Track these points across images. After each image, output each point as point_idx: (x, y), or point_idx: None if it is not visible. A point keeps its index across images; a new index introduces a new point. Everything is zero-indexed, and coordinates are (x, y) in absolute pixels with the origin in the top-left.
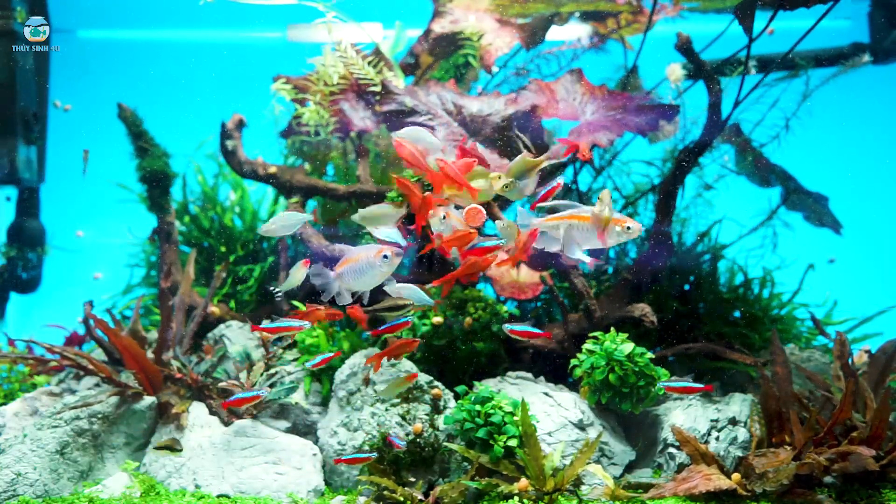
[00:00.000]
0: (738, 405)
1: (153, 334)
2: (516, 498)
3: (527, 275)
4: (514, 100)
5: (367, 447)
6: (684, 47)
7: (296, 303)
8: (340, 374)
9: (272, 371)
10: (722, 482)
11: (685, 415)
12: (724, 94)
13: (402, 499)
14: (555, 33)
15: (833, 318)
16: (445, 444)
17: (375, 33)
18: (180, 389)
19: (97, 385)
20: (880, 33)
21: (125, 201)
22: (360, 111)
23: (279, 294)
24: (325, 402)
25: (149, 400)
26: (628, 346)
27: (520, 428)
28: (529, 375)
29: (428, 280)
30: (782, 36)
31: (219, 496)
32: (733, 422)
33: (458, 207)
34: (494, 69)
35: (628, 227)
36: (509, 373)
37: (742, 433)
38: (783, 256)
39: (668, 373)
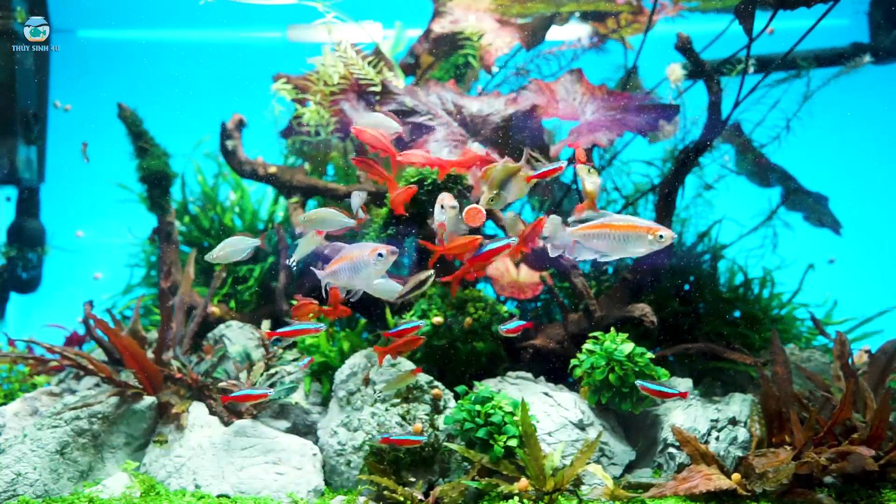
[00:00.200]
0: (738, 405)
1: (153, 334)
2: (516, 498)
3: (527, 275)
4: (514, 100)
5: (367, 447)
6: (684, 47)
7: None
8: (340, 374)
9: (272, 371)
10: (722, 482)
11: (685, 415)
12: (724, 94)
13: (402, 499)
14: (555, 33)
15: (833, 318)
16: (445, 444)
17: (375, 33)
18: (180, 389)
19: (97, 385)
20: (880, 33)
21: (125, 201)
22: (360, 111)
23: (294, 264)
24: (325, 402)
25: (149, 400)
26: (628, 346)
27: (520, 428)
28: (529, 375)
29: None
30: (782, 36)
31: (219, 496)
32: (733, 422)
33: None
34: (494, 69)
35: (661, 236)
36: (509, 373)
37: (742, 433)
38: (783, 256)
39: (668, 373)
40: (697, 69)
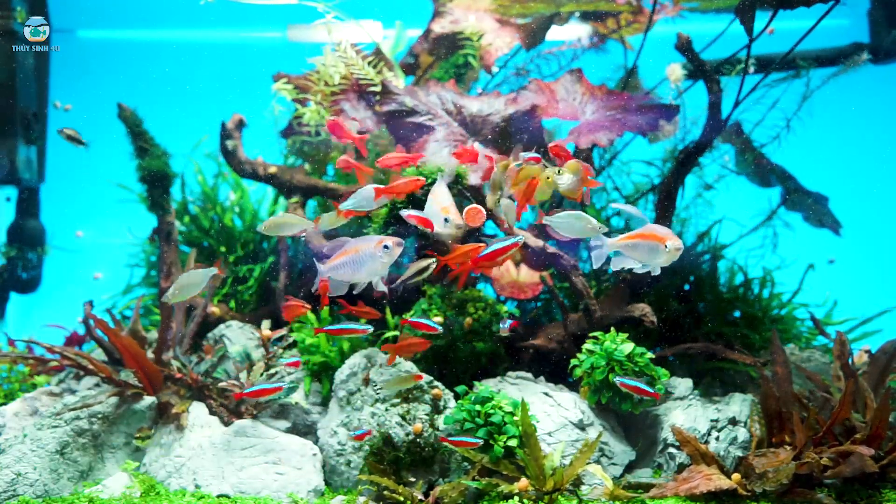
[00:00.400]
0: (738, 405)
1: (153, 334)
2: (516, 498)
3: (527, 275)
4: (514, 100)
5: (367, 447)
6: (684, 47)
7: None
8: (340, 374)
9: (272, 371)
10: (723, 482)
11: (685, 415)
12: (724, 94)
13: (402, 499)
14: (555, 33)
15: (833, 318)
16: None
17: (376, 33)
18: (180, 389)
19: (97, 385)
20: (880, 33)
21: (125, 201)
22: (360, 111)
23: (309, 237)
24: (325, 402)
25: (149, 400)
26: (628, 346)
27: (520, 428)
28: (529, 375)
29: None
30: (782, 36)
31: (219, 496)
32: (733, 422)
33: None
34: (494, 69)
35: (665, 246)
36: (509, 373)
37: (742, 433)
38: (783, 256)
39: (668, 373)
40: (697, 69)
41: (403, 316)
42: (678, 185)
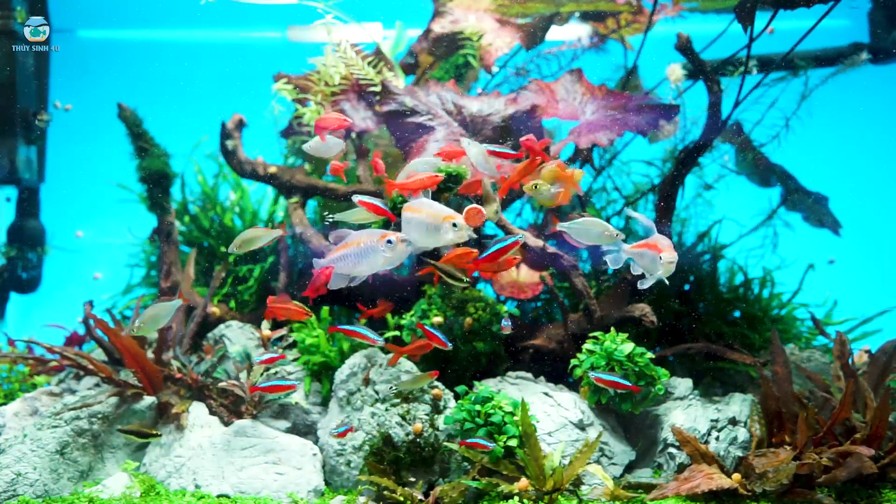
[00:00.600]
0: (738, 405)
1: (153, 334)
2: (516, 498)
3: (527, 275)
4: (514, 100)
5: (367, 447)
6: (684, 47)
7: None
8: (340, 374)
9: (272, 371)
10: (724, 481)
11: (685, 415)
12: (724, 94)
13: (402, 499)
14: (555, 33)
15: (833, 318)
16: (445, 444)
17: (376, 33)
18: (180, 389)
19: (97, 385)
20: (880, 33)
21: (125, 201)
22: (360, 111)
23: (331, 219)
24: (325, 402)
25: (149, 400)
26: (628, 346)
27: (520, 428)
28: (529, 375)
29: (429, 278)
30: (782, 36)
31: (219, 496)
32: (733, 422)
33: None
34: (494, 69)
35: (660, 258)
36: (509, 373)
37: (742, 433)
38: (783, 256)
39: (668, 373)
40: (697, 69)
41: (405, 316)
42: (678, 185)
